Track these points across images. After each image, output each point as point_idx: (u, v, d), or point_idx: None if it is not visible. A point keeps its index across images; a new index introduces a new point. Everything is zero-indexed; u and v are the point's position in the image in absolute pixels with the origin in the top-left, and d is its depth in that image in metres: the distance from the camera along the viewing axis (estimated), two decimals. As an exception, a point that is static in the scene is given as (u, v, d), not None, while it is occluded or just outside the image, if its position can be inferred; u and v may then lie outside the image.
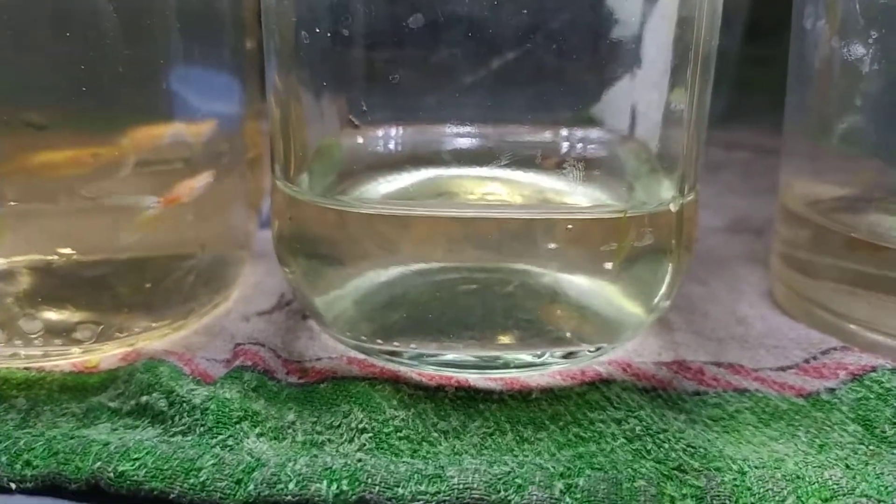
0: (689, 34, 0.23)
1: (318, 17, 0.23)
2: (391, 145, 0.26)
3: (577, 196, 0.25)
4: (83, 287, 0.25)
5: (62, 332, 0.25)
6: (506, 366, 0.25)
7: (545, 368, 0.25)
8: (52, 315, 0.25)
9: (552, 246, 0.24)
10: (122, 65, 0.24)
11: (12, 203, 0.23)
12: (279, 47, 0.24)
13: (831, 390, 0.25)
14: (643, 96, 0.24)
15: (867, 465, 0.21)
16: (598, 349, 0.25)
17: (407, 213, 0.25)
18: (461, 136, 0.25)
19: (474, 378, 0.25)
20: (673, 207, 0.24)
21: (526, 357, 0.25)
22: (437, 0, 0.22)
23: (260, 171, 0.33)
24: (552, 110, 0.25)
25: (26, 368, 0.25)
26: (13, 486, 0.20)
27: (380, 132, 0.26)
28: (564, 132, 0.25)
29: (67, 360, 0.26)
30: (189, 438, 0.21)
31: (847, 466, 0.21)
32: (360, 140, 0.26)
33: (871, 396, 0.24)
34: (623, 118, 0.25)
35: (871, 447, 0.22)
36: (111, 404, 0.24)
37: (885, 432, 0.22)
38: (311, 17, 0.23)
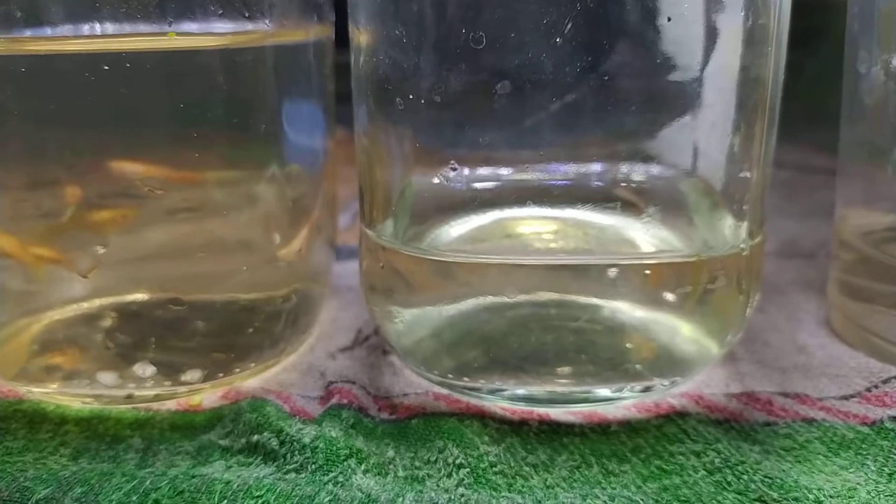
0: (757, 86, 0.25)
1: (412, 85, 0.25)
2: (462, 188, 0.28)
3: (641, 233, 0.26)
4: (192, 331, 0.27)
5: (171, 375, 0.27)
6: (585, 400, 0.27)
7: (621, 402, 0.27)
8: (163, 359, 0.27)
9: (627, 288, 0.25)
10: (230, 117, 0.25)
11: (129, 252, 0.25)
12: (371, 109, 0.26)
13: (894, 418, 0.26)
14: (705, 136, 0.26)
15: (936, 492, 0.22)
16: (672, 383, 0.27)
17: (478, 261, 0.26)
18: (528, 178, 0.27)
19: (554, 412, 0.26)
20: (744, 251, 0.26)
21: (604, 392, 0.26)
22: (524, 68, 0.24)
23: (335, 210, 0.34)
24: (614, 149, 0.26)
25: (134, 408, 0.27)
26: (145, 524, 0.22)
27: (451, 173, 0.28)
28: (625, 169, 0.27)
29: (173, 399, 0.28)
30: (303, 476, 0.23)
31: (918, 494, 0.22)
32: (436, 180, 0.27)
33: (934, 424, 0.25)
34: (685, 157, 0.26)
35: (937, 475, 0.23)
36: (222, 442, 0.25)
37: (949, 460, 0.24)
38: (405, 82, 0.25)
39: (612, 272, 0.25)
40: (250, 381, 0.29)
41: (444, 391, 0.28)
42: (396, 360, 0.30)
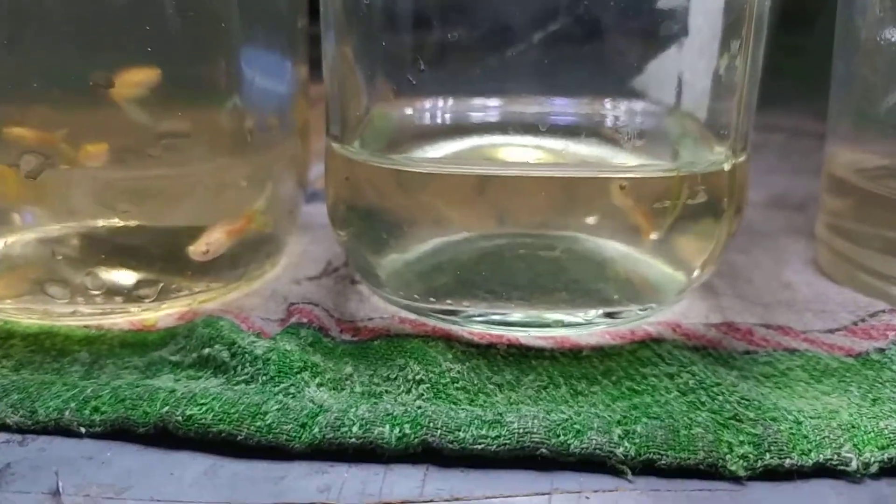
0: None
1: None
2: (440, 115, 0.27)
3: (626, 160, 0.25)
4: (145, 248, 0.25)
5: (124, 290, 0.26)
6: (553, 324, 0.25)
7: (593, 328, 0.26)
8: (115, 273, 0.25)
9: (605, 205, 0.24)
10: (186, 43, 0.24)
11: (71, 166, 0.24)
12: (336, 16, 0.25)
13: (881, 350, 0.25)
14: (690, 65, 0.25)
15: (922, 417, 0.21)
16: (646, 309, 0.26)
17: (457, 172, 0.25)
18: (506, 106, 0.26)
19: (525, 337, 0.25)
20: (726, 166, 0.25)
21: (573, 317, 0.25)
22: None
23: (307, 146, 0.33)
24: (598, 81, 0.25)
25: (86, 326, 0.26)
26: (82, 430, 0.21)
27: (428, 102, 0.27)
28: (610, 102, 0.26)
29: (126, 318, 0.26)
30: (252, 386, 0.22)
31: (902, 418, 0.21)
32: (410, 111, 0.26)
33: (922, 356, 0.24)
34: (669, 88, 0.25)
35: (923, 402, 0.22)
36: (172, 358, 0.24)
37: (936, 389, 0.23)
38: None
39: (591, 188, 0.24)
40: (210, 304, 0.28)
41: (412, 316, 0.27)
42: (364, 289, 0.29)
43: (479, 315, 0.26)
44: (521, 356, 0.24)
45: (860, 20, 0.28)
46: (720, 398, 0.22)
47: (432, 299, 0.26)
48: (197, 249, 0.26)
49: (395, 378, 0.23)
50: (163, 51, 0.24)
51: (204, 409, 0.21)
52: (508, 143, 0.26)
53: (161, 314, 0.27)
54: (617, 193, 0.24)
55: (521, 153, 0.26)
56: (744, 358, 0.24)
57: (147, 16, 0.23)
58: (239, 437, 0.20)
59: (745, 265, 0.31)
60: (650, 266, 0.26)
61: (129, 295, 0.26)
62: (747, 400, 0.22)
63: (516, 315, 0.26)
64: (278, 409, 0.21)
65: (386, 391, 0.22)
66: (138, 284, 0.26)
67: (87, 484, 0.19)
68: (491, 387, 0.23)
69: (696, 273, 0.26)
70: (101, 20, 0.23)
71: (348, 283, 0.30)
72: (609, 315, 0.26)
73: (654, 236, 0.24)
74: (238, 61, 0.25)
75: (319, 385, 0.22)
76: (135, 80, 0.24)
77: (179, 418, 0.21)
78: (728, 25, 0.24)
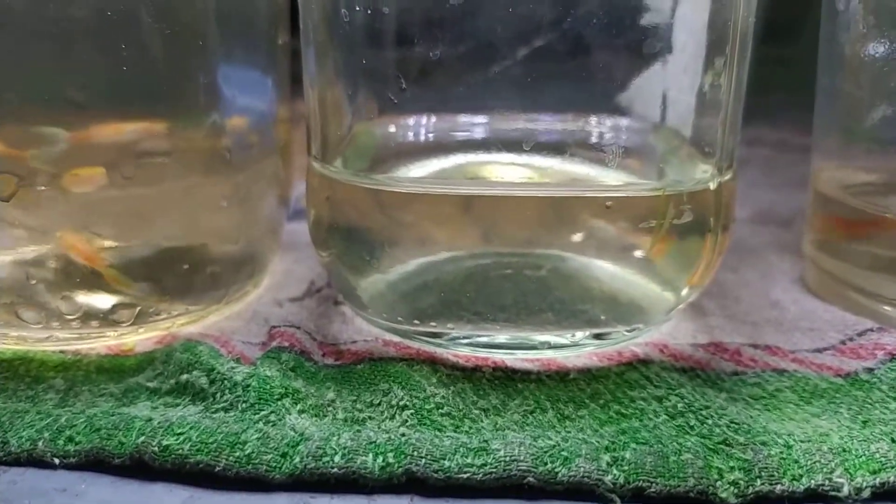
0: (727, 10, 0.23)
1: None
2: (423, 132, 0.26)
3: (612, 178, 0.25)
4: (119, 268, 0.25)
5: (100, 314, 0.25)
6: (542, 346, 0.25)
7: (580, 349, 0.25)
8: (91, 296, 0.25)
9: (591, 225, 0.24)
10: (161, 59, 0.24)
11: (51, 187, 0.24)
12: (316, 32, 0.25)
13: (870, 370, 0.24)
14: (675, 82, 0.24)
15: (913, 439, 0.21)
16: (633, 330, 0.25)
17: (440, 192, 0.25)
18: (491, 124, 0.25)
19: (511, 359, 0.25)
20: (712, 185, 0.24)
21: (560, 339, 0.25)
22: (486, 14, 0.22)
23: (289, 163, 0.33)
24: (583, 98, 0.25)
25: (62, 351, 0.25)
26: (56, 461, 0.20)
27: (412, 120, 0.26)
28: (595, 119, 0.25)
29: (103, 343, 0.26)
30: (232, 414, 0.21)
31: (893, 441, 0.21)
32: (392, 129, 0.26)
33: (911, 375, 0.24)
34: (654, 106, 0.25)
35: (914, 423, 0.22)
36: (150, 384, 0.24)
37: (926, 410, 0.22)
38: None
39: (577, 207, 0.24)
40: (189, 327, 0.27)
41: (395, 338, 0.26)
42: (348, 311, 0.29)
43: (465, 337, 0.25)
44: (506, 379, 0.24)
45: (844, 35, 0.28)
46: (709, 422, 0.21)
47: (416, 321, 0.25)
48: None
49: (379, 404, 0.22)
50: (139, 67, 0.23)
51: (181, 438, 0.20)
52: (493, 161, 0.26)
53: (139, 338, 0.26)
54: (601, 212, 0.23)
55: (505, 171, 0.26)
56: (732, 379, 0.24)
57: (123, 32, 0.23)
58: (217, 468, 0.20)
59: (732, 283, 0.31)
60: (637, 286, 0.25)
61: (106, 319, 0.25)
62: (737, 423, 0.21)
63: (502, 337, 0.25)
64: (258, 438, 0.20)
65: (369, 417, 0.22)
66: (114, 308, 0.25)
67: (60, 518, 0.19)
68: (476, 412, 0.22)
69: (683, 293, 0.26)
70: (77, 36, 0.23)
71: (331, 304, 0.29)
72: (597, 336, 0.25)
73: (640, 255, 0.24)
74: (217, 78, 0.25)
75: (301, 412, 0.22)
76: (82, 179, 0.23)
77: (156, 448, 0.20)
78: (712, 42, 0.24)
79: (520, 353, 0.25)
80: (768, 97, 0.63)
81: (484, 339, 0.25)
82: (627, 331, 0.25)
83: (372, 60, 0.24)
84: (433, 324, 0.25)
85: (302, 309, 0.29)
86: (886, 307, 0.27)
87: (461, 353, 0.25)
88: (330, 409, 0.22)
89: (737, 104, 0.25)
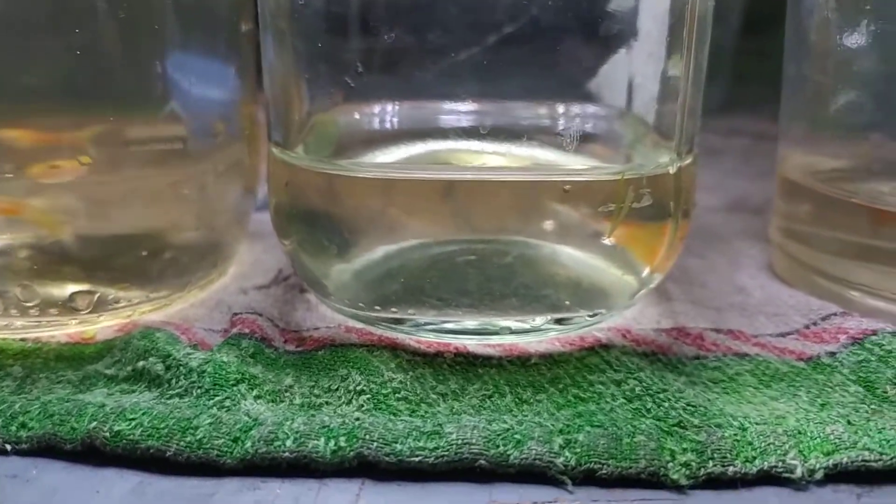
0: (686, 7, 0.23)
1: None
2: (387, 120, 0.26)
3: (578, 164, 0.25)
4: (79, 257, 0.25)
5: (59, 302, 0.25)
6: (504, 332, 0.25)
7: (543, 335, 0.25)
8: (49, 284, 0.25)
9: (552, 210, 0.24)
10: (118, 47, 0.24)
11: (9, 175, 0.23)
12: (273, 18, 0.24)
13: (832, 354, 0.24)
14: (640, 68, 0.24)
15: (868, 421, 0.21)
16: (594, 315, 0.25)
17: (402, 177, 0.25)
18: (456, 111, 0.25)
19: (473, 345, 0.25)
20: (671, 169, 0.24)
21: (520, 324, 0.25)
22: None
23: (256, 152, 0.32)
24: (549, 85, 0.25)
25: (22, 339, 0.25)
26: (8, 447, 0.20)
27: (376, 108, 0.26)
28: (561, 107, 0.25)
29: (63, 331, 0.26)
30: (186, 400, 0.21)
31: (849, 423, 0.21)
32: (357, 116, 0.26)
33: (872, 359, 0.24)
34: (620, 91, 0.25)
35: (872, 406, 0.22)
36: (108, 371, 0.23)
37: (886, 392, 0.22)
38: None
39: (535, 191, 0.24)
40: (152, 315, 0.27)
41: (359, 325, 0.26)
42: (313, 298, 0.28)
43: (428, 323, 0.25)
44: (468, 364, 0.24)
45: (809, 21, 0.28)
46: (665, 405, 0.21)
47: (378, 308, 0.25)
48: None
49: (337, 389, 0.22)
50: (94, 54, 0.23)
51: (133, 424, 0.20)
52: (454, 148, 0.26)
53: (100, 326, 0.26)
54: (560, 197, 0.23)
55: (466, 158, 0.26)
56: (693, 363, 0.24)
57: (76, 18, 0.23)
58: (168, 453, 0.19)
59: (700, 269, 0.31)
60: (599, 271, 0.25)
61: (65, 307, 0.25)
62: (693, 406, 0.21)
63: (465, 322, 0.25)
64: (210, 424, 0.20)
65: (326, 402, 0.22)
66: (72, 296, 0.25)
67: (9, 503, 0.19)
68: (434, 396, 0.22)
69: (645, 277, 0.25)
70: (29, 22, 0.22)
71: (297, 291, 0.29)
72: (558, 321, 0.25)
73: (601, 240, 0.24)
74: (174, 66, 0.25)
75: (257, 397, 0.22)
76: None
77: (107, 434, 0.20)
78: (671, 27, 0.24)
79: (482, 339, 0.25)
80: (748, 88, 0.63)
81: (447, 325, 0.25)
82: (589, 316, 0.25)
83: (329, 46, 0.24)
84: (394, 310, 0.25)
85: (267, 296, 0.29)
86: (852, 292, 0.27)
87: (424, 339, 0.25)
88: (287, 394, 0.22)
89: (696, 88, 0.25)
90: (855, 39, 0.27)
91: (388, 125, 0.26)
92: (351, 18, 0.24)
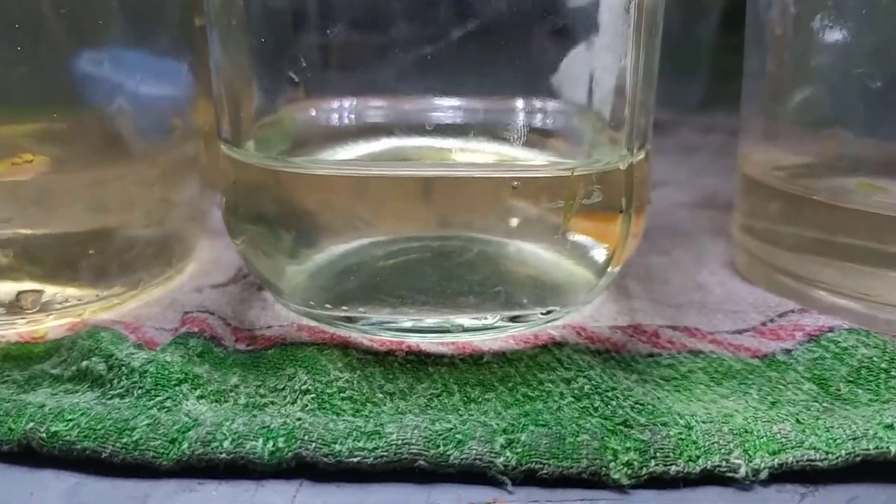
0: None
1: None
2: (342, 116, 0.26)
3: (539, 160, 0.25)
4: (24, 256, 0.24)
5: (4, 302, 0.25)
6: (457, 330, 0.25)
7: (498, 332, 0.25)
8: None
9: (503, 206, 0.23)
10: (61, 42, 0.23)
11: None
12: (217, 14, 0.24)
13: (787, 351, 0.24)
14: (598, 62, 0.24)
15: (818, 419, 0.21)
16: (548, 312, 0.25)
17: (354, 175, 0.24)
18: (411, 108, 0.25)
19: (426, 343, 0.24)
20: (622, 165, 0.24)
21: (473, 321, 0.24)
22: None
23: (215, 148, 0.32)
24: (505, 80, 0.24)
25: (-31, 340, 0.25)
26: (-56, 449, 0.20)
27: (331, 104, 0.26)
28: (520, 102, 0.25)
29: (13, 330, 0.25)
30: (126, 400, 0.21)
31: (798, 421, 0.20)
32: (313, 112, 0.26)
33: (828, 356, 0.23)
34: (579, 87, 0.24)
35: (824, 404, 0.21)
36: (53, 371, 0.23)
37: (839, 390, 0.22)
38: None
39: (484, 188, 0.23)
40: (104, 314, 0.27)
41: (312, 323, 0.26)
42: (269, 297, 0.28)
43: (382, 321, 0.25)
44: (419, 363, 0.24)
45: (766, 16, 0.28)
46: (613, 403, 0.21)
47: (329, 306, 0.25)
48: None
49: (283, 388, 0.22)
50: (37, 50, 0.23)
51: (70, 424, 0.20)
52: (410, 144, 0.25)
53: (49, 325, 0.26)
54: (511, 193, 0.23)
55: (422, 154, 0.25)
56: (646, 361, 0.24)
57: (19, 13, 0.22)
58: (104, 455, 0.19)
59: (662, 266, 0.31)
60: (553, 267, 0.25)
61: (11, 306, 0.25)
62: (641, 404, 0.21)
63: (422, 321, 0.25)
64: (148, 425, 0.20)
65: (271, 402, 0.22)
66: (19, 296, 0.25)
67: (-61, 507, 0.18)
68: (381, 395, 0.22)
69: (599, 273, 0.25)
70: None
71: (255, 290, 0.29)
72: (513, 319, 0.25)
73: (553, 236, 0.24)
74: (121, 62, 0.24)
75: (200, 398, 0.21)
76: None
77: (44, 435, 0.20)
78: (623, 20, 0.23)
79: (435, 337, 0.25)
80: (726, 86, 0.63)
81: (399, 324, 0.25)
82: (543, 313, 0.25)
83: (276, 42, 0.23)
84: (345, 308, 0.25)
85: (223, 295, 0.28)
86: (811, 288, 0.27)
87: (377, 338, 0.25)
88: (232, 394, 0.22)
89: (647, 82, 0.24)
90: (813, 33, 0.26)
91: (343, 121, 0.26)
92: (298, 14, 0.23)
